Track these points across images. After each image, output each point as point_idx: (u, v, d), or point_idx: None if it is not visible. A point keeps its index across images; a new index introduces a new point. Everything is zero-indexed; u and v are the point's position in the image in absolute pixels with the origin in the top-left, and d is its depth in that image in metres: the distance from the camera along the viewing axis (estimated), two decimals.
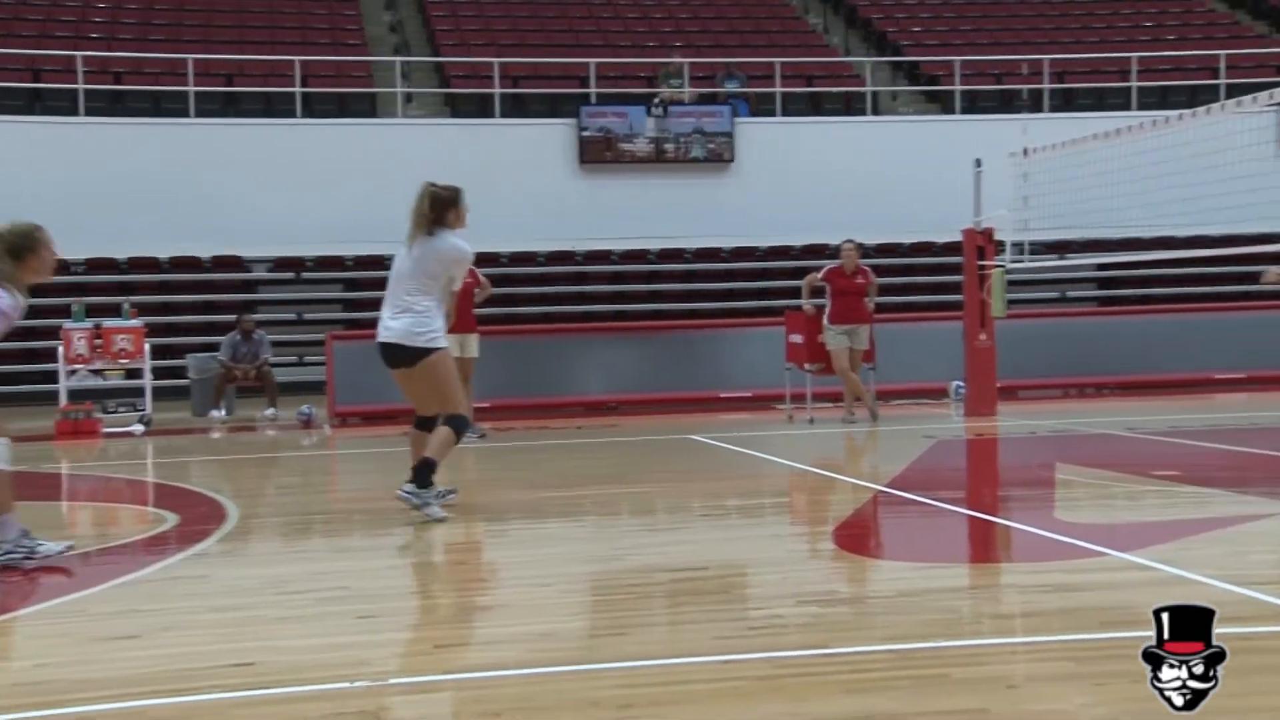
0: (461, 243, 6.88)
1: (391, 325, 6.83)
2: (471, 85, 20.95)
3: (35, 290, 6.23)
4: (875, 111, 21.55)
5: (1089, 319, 16.80)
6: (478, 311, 11.52)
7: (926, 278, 19.19)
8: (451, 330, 10.88)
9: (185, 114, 19.45)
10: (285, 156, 19.08)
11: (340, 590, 5.22)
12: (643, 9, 24.05)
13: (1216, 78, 21.45)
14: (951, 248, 15.66)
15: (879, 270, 13.34)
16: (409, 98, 21.18)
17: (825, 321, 11.72)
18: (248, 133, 19.39)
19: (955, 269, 13.99)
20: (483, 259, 14.84)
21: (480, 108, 20.69)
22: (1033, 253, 12.84)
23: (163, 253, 18.63)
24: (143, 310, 15.18)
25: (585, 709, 3.58)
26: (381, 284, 7.13)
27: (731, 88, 21.16)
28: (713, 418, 12.79)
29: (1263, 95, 9.47)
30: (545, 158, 19.89)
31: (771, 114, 20.94)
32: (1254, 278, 7.21)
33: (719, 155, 20.24)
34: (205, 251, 18.71)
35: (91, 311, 14.16)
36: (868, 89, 21.60)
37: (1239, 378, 14.35)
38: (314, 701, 3.69)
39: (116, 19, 22.02)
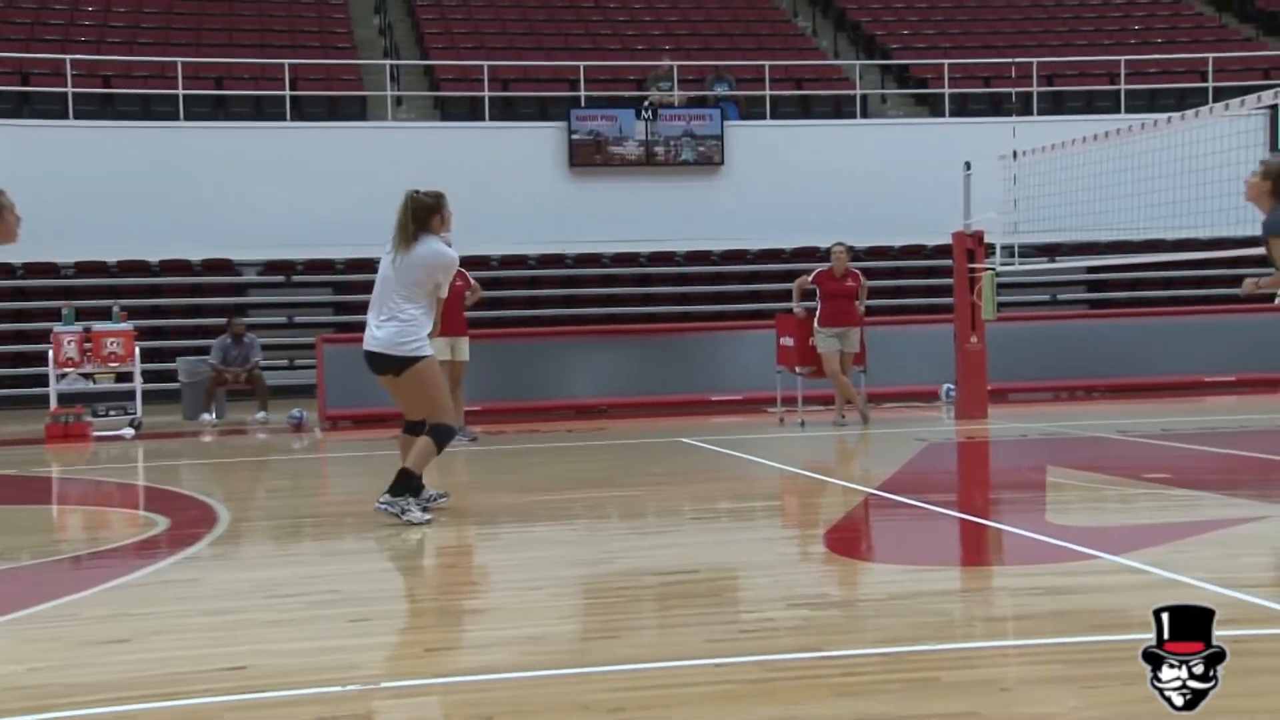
0: (447, 249, 6.86)
1: (377, 334, 6.80)
2: (461, 88, 20.95)
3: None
4: (864, 114, 21.59)
5: (1079, 322, 16.84)
6: (468, 314, 11.50)
7: (917, 280, 19.23)
8: (442, 333, 10.91)
9: (175, 117, 19.41)
10: (275, 160, 19.06)
11: (331, 594, 5.21)
12: (632, 12, 24.07)
13: (1205, 81, 21.53)
14: (942, 250, 15.69)
15: (869, 273, 13.37)
16: (399, 101, 21.17)
17: (816, 324, 11.74)
18: (237, 136, 19.36)
19: (946, 272, 14.03)
20: (473, 262, 14.86)
21: (470, 111, 20.69)
22: (1023, 255, 12.87)
23: (153, 256, 18.59)
24: (133, 313, 15.15)
25: (576, 712, 3.57)
26: (372, 287, 7.11)
27: (721, 91, 21.18)
28: (703, 421, 12.79)
29: (1250, 98, 9.51)
30: (535, 161, 19.90)
31: (761, 117, 20.97)
32: (1243, 280, 7.22)
33: (709, 158, 20.26)
34: (195, 255, 18.67)
35: (81, 315, 14.13)
36: (857, 92, 21.64)
37: (1229, 380, 14.40)
38: (305, 705, 3.68)
39: (105, 22, 21.98)
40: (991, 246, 12.26)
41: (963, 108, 21.58)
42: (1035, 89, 21.35)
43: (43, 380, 13.85)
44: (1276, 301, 7.31)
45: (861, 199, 19.41)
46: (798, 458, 9.72)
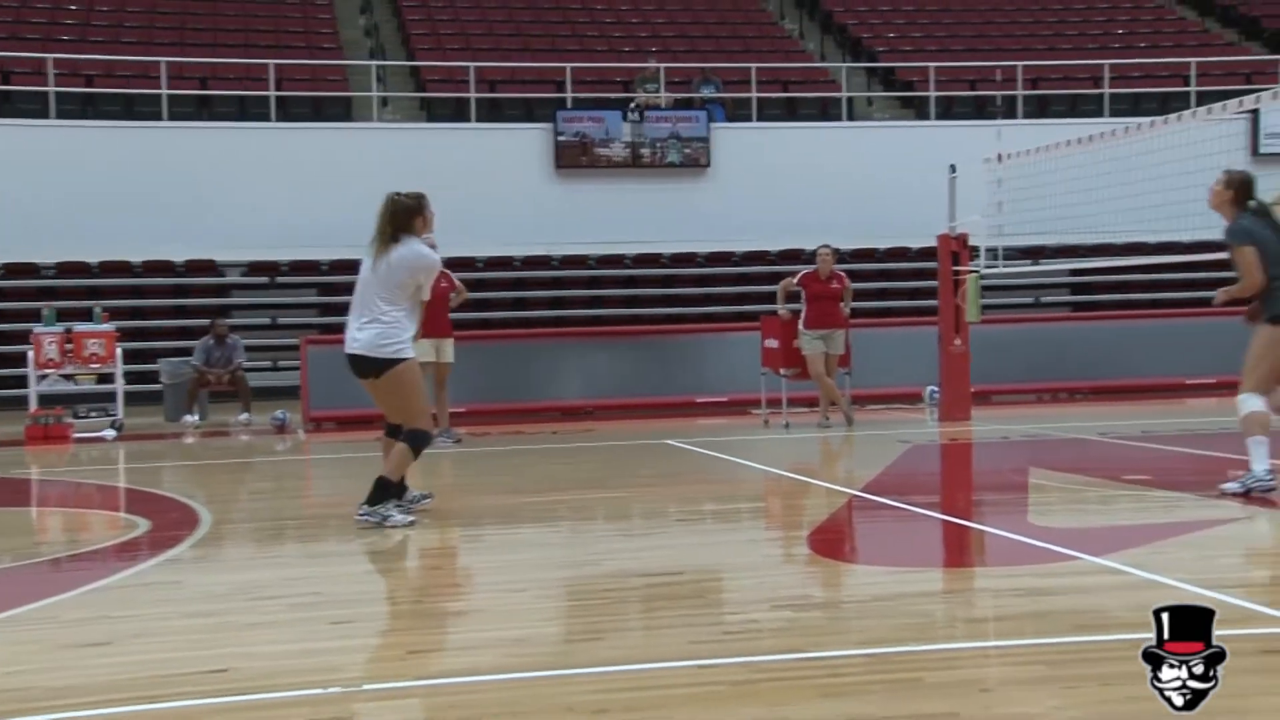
0: (428, 251, 6.83)
1: (358, 336, 6.76)
2: (447, 89, 20.92)
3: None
4: (851, 117, 21.64)
5: (1062, 324, 16.90)
6: (453, 316, 11.49)
7: (902, 283, 19.27)
8: (427, 335, 10.93)
9: (158, 117, 19.35)
10: (259, 160, 19.01)
11: (314, 596, 5.20)
12: (619, 14, 24.08)
13: (1187, 85, 21.64)
14: (927, 253, 15.74)
15: (854, 275, 13.39)
16: (384, 102, 21.13)
17: (801, 326, 11.75)
18: (221, 136, 19.31)
19: (930, 274, 14.07)
20: (458, 264, 14.85)
21: (456, 112, 20.66)
22: (1007, 258, 12.91)
23: (135, 256, 18.52)
24: (114, 314, 15.09)
25: (560, 714, 3.58)
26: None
27: (707, 93, 21.20)
28: (689, 423, 12.80)
29: (1232, 103, 9.56)
30: (521, 162, 19.89)
31: (747, 119, 21.00)
32: (1227, 283, 7.29)
33: (695, 160, 20.28)
34: (178, 255, 18.61)
35: (62, 316, 14.06)
36: (843, 94, 21.68)
37: (1210, 382, 14.46)
38: (288, 708, 3.67)
39: (88, 21, 21.89)
40: (976, 249, 12.29)
41: (948, 111, 21.64)
42: (1020, 92, 21.43)
43: (23, 381, 13.77)
44: (1215, 301, 7.40)
45: (847, 201, 19.45)
46: (782, 459, 9.74)
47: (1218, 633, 4.24)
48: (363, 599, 5.35)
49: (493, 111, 20.74)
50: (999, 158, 11.95)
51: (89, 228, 18.02)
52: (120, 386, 13.68)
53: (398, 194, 6.83)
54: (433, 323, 10.43)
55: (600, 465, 9.89)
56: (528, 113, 20.67)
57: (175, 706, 3.69)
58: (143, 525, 7.15)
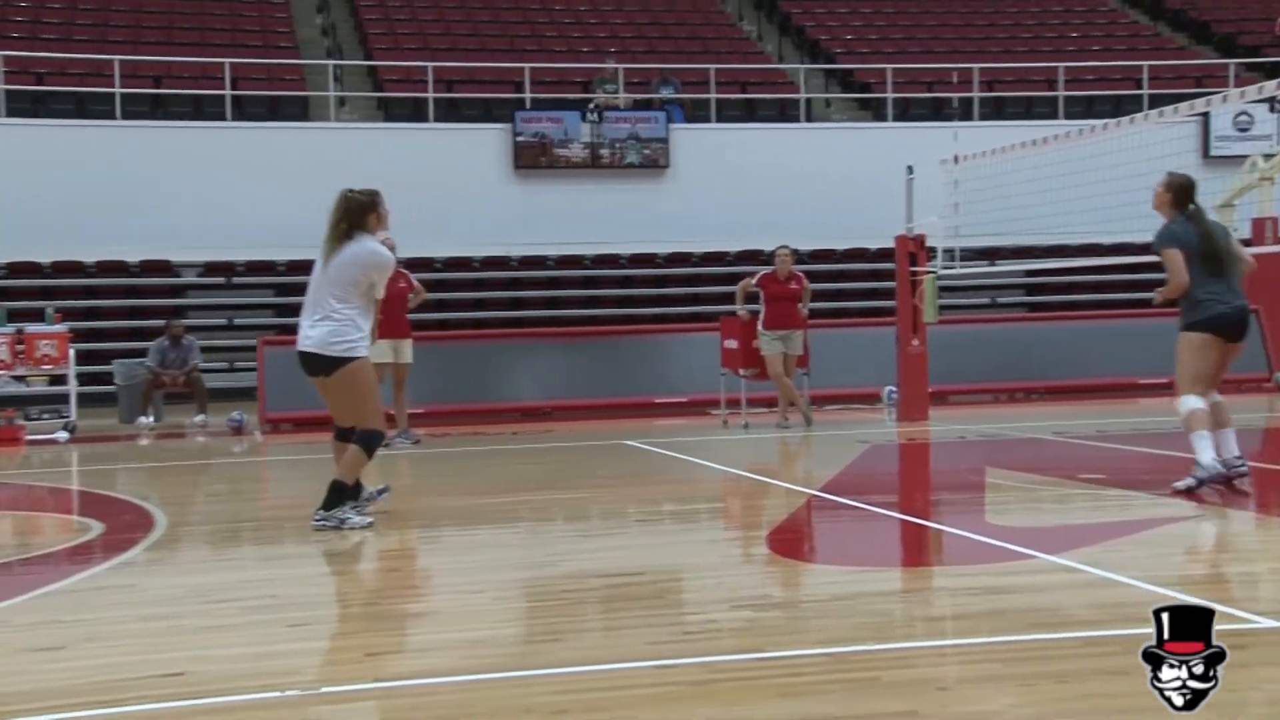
0: (381, 248, 6.74)
1: (310, 334, 6.68)
2: (405, 89, 20.82)
3: None
4: (809, 118, 21.73)
5: (1018, 325, 17.06)
6: (412, 317, 11.44)
7: (860, 283, 19.37)
8: (385, 335, 10.88)
9: (112, 116, 19.12)
10: (215, 160, 18.84)
11: (270, 598, 5.16)
12: (577, 14, 24.06)
13: (1140, 88, 21.90)
14: (884, 254, 15.84)
15: (813, 276, 13.45)
16: (342, 101, 21.01)
17: (760, 327, 11.79)
18: (176, 135, 19.12)
19: (888, 275, 14.15)
20: (417, 264, 14.78)
21: (414, 112, 20.57)
22: (963, 259, 13.02)
23: (88, 257, 18.30)
24: (67, 315, 14.92)
25: (519, 715, 3.57)
26: None
27: (666, 94, 21.23)
28: (648, 423, 12.81)
29: (1184, 106, 9.69)
30: (480, 163, 19.82)
31: (706, 120, 21.04)
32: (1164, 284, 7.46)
33: (654, 161, 20.29)
34: (133, 256, 18.41)
35: (14, 316, 13.88)
36: (801, 96, 21.78)
37: (1163, 382, 14.59)
38: (244, 712, 3.64)
39: (39, 18, 21.61)
40: (933, 250, 12.38)
41: (905, 112, 21.78)
42: (976, 94, 21.61)
43: None
44: (1154, 301, 7.62)
45: (806, 202, 19.54)
46: (741, 460, 9.76)
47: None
48: (320, 601, 5.31)
49: (451, 111, 20.65)
50: (955, 159, 12.04)
51: (41, 228, 17.79)
52: (73, 388, 13.51)
53: (351, 190, 6.77)
54: (391, 323, 10.38)
55: (559, 466, 9.88)
56: (486, 113, 20.61)
57: (130, 711, 3.65)
58: (96, 528, 7.06)
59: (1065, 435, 10.63)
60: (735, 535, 6.96)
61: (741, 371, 11.97)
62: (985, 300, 19.69)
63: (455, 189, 19.22)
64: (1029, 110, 21.83)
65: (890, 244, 12.98)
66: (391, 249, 10.83)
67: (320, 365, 6.67)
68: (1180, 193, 7.27)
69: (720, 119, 21.15)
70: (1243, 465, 7.24)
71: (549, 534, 6.86)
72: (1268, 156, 17.79)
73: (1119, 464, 8.95)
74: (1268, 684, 3.59)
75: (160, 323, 15.30)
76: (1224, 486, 7.18)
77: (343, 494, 6.69)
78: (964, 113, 20.92)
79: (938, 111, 21.34)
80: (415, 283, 11.30)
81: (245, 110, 20.01)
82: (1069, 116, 20.49)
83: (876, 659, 4.04)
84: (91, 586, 5.52)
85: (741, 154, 20.24)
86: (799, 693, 3.70)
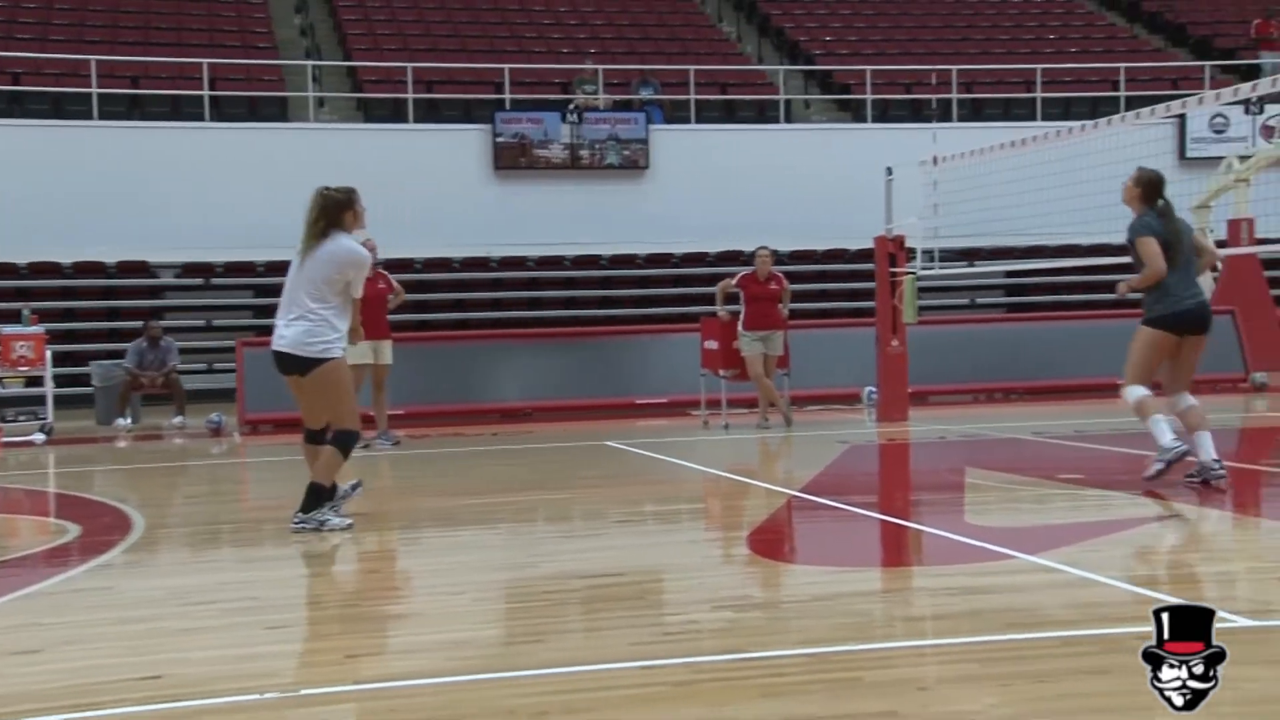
0: (357, 246, 6.68)
1: (285, 333, 6.64)
2: (384, 90, 20.77)
3: None
4: (788, 119, 21.77)
5: (998, 325, 17.12)
6: (392, 318, 11.41)
7: (840, 284, 19.42)
8: (366, 336, 10.83)
9: (89, 116, 19.02)
10: (193, 160, 18.75)
11: (249, 600, 5.14)
12: (557, 15, 24.04)
13: (1117, 90, 22.03)
14: (864, 254, 15.88)
15: (793, 277, 13.47)
16: (321, 102, 20.93)
17: (740, 328, 11.80)
18: (154, 136, 19.02)
19: (868, 275, 14.18)
20: (396, 265, 14.75)
21: (393, 112, 20.52)
22: (943, 259, 13.06)
23: (65, 258, 18.20)
24: (44, 317, 14.82)
25: (501, 717, 3.56)
26: None
27: (646, 94, 21.23)
28: (628, 424, 12.80)
29: (1160, 107, 9.75)
30: (460, 163, 19.79)
31: (686, 121, 21.06)
32: (1117, 285, 7.65)
33: (634, 162, 20.29)
34: (110, 257, 18.31)
35: None
36: (781, 97, 21.82)
37: None
38: (223, 714, 3.63)
39: (14, 18, 21.46)
40: (912, 251, 12.41)
41: (884, 114, 21.85)
42: (955, 96, 21.70)
43: None
44: (1118, 291, 7.79)
45: (785, 203, 19.58)
46: (721, 460, 9.77)
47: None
48: (299, 603, 5.30)
49: (430, 112, 20.61)
50: (934, 160, 12.08)
51: (17, 228, 17.68)
52: (50, 389, 13.43)
53: (327, 188, 6.73)
54: (371, 324, 10.35)
55: (540, 467, 9.87)
56: (466, 114, 20.58)
57: (107, 714, 3.63)
58: (73, 530, 7.02)
59: (1044, 435, 10.68)
60: (716, 536, 6.97)
61: (722, 372, 11.98)
62: (964, 301, 19.77)
63: (435, 190, 19.19)
64: (1007, 112, 21.92)
65: (870, 245, 13.01)
66: (372, 250, 10.90)
67: (295, 365, 6.63)
68: (1149, 188, 7.42)
69: (700, 120, 21.17)
70: (1220, 469, 7.28)
71: (530, 535, 6.85)
72: (1243, 158, 17.93)
73: (1097, 464, 8.99)
74: (1244, 683, 3.61)
75: (138, 324, 15.22)
76: (1200, 486, 7.22)
77: (321, 496, 6.66)
78: (943, 114, 21.01)
79: (916, 113, 21.41)
80: (395, 284, 11.28)
81: (224, 111, 19.93)
82: (1047, 118, 20.60)
83: (857, 659, 4.05)
84: (69, 589, 5.48)
85: (721, 155, 20.26)
86: (781, 693, 3.71)
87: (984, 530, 6.40)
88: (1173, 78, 22.87)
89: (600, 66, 21.20)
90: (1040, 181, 11.75)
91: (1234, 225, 17.32)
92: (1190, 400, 7.42)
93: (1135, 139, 10.96)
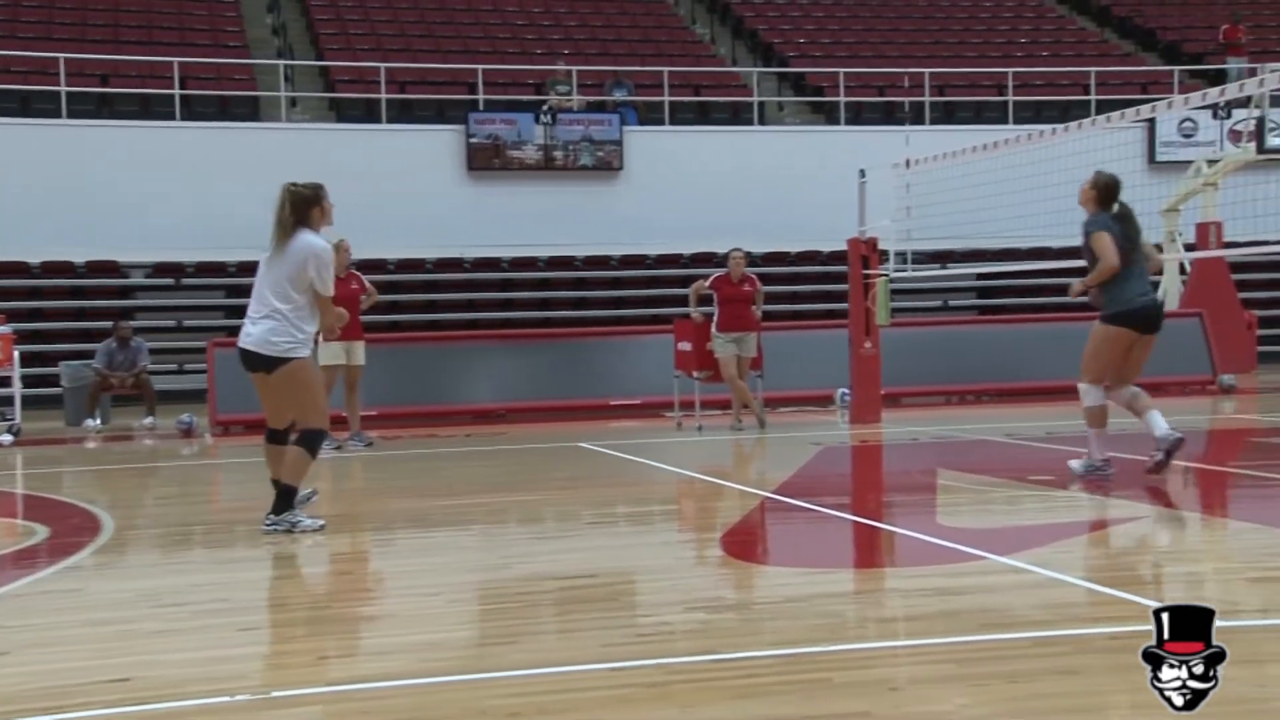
0: (318, 241, 6.62)
1: (251, 330, 6.62)
2: (357, 90, 20.69)
3: None
4: (762, 121, 21.82)
5: (970, 327, 17.20)
6: (364, 318, 11.37)
7: (813, 286, 19.47)
8: (339, 337, 10.79)
9: (57, 115, 18.87)
10: (163, 160, 18.62)
11: (220, 602, 5.11)
12: (530, 16, 24.01)
13: (1087, 94, 22.18)
14: (837, 256, 15.93)
15: (766, 278, 13.50)
16: (293, 101, 20.83)
17: (713, 329, 11.81)
18: (124, 134, 18.88)
19: (841, 277, 14.23)
20: (369, 266, 14.69)
21: (366, 112, 20.44)
22: (915, 262, 13.11)
23: (33, 257, 18.04)
24: (12, 316, 14.69)
25: (473, 718, 3.55)
26: None
27: (620, 96, 21.24)
28: (602, 425, 12.80)
29: (1130, 111, 9.82)
30: (433, 164, 19.74)
31: (660, 122, 21.08)
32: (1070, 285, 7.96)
33: (608, 163, 20.29)
34: (79, 256, 18.16)
35: None
36: (754, 99, 21.86)
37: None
38: (193, 717, 3.60)
39: None
40: (885, 253, 12.46)
41: (858, 116, 21.93)
42: (927, 99, 21.79)
43: None
44: (1071, 291, 8.12)
45: (759, 205, 19.62)
46: (695, 462, 9.78)
47: (1119, 629, 4.35)
48: (271, 605, 5.27)
49: (403, 112, 20.55)
50: (907, 163, 12.13)
51: None
52: (18, 390, 13.30)
53: (294, 184, 6.69)
54: (343, 325, 10.30)
55: (513, 468, 9.85)
56: (439, 114, 20.52)
57: (76, 717, 3.60)
58: (41, 532, 6.96)
59: (1016, 437, 10.74)
60: (689, 537, 6.97)
61: (695, 374, 11.99)
62: (937, 303, 19.86)
63: (408, 190, 19.13)
64: (979, 115, 22.03)
65: (843, 247, 13.05)
66: (345, 251, 10.88)
67: (260, 363, 6.61)
68: (1105, 191, 7.71)
69: (674, 122, 21.19)
70: (1177, 436, 7.58)
71: (503, 536, 6.84)
72: (1211, 162, 18.09)
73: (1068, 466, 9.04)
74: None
75: (108, 324, 15.11)
76: (1163, 456, 7.56)
77: (291, 497, 6.63)
78: (915, 117, 21.09)
79: (889, 115, 21.50)
80: (367, 284, 11.23)
81: (194, 110, 19.80)
82: (1018, 121, 20.70)
83: (830, 660, 4.06)
84: (37, 591, 5.43)
85: (695, 157, 20.29)
86: (753, 694, 3.71)
87: (956, 531, 6.43)
88: (1142, 82, 23.06)
89: (574, 67, 21.19)
90: (1012, 184, 11.81)
91: (1202, 228, 17.48)
92: (1135, 388, 7.78)
93: (1105, 142, 11.04)
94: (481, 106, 20.41)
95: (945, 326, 17.13)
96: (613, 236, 19.79)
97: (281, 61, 21.18)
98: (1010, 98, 22.05)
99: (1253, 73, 16.82)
